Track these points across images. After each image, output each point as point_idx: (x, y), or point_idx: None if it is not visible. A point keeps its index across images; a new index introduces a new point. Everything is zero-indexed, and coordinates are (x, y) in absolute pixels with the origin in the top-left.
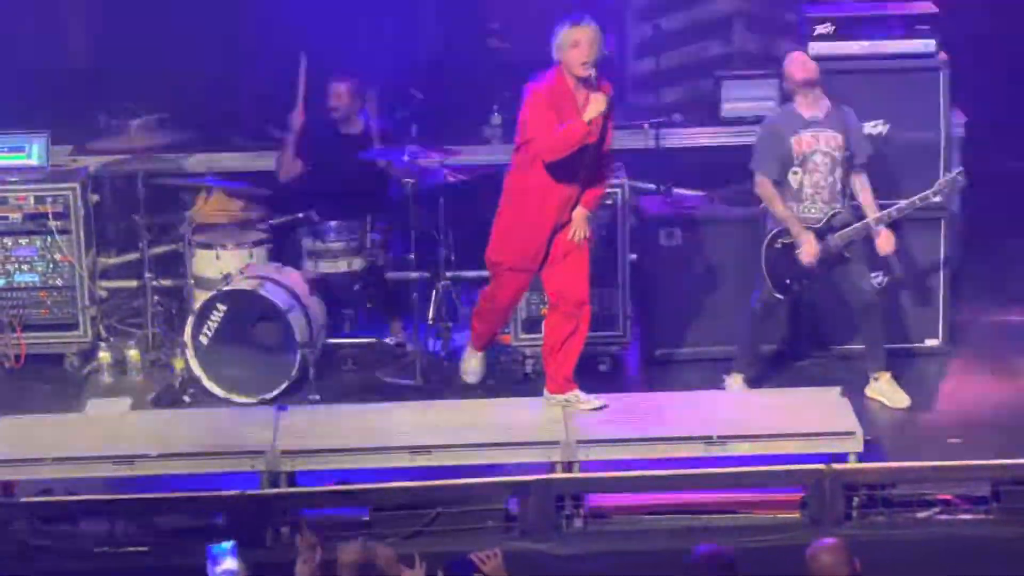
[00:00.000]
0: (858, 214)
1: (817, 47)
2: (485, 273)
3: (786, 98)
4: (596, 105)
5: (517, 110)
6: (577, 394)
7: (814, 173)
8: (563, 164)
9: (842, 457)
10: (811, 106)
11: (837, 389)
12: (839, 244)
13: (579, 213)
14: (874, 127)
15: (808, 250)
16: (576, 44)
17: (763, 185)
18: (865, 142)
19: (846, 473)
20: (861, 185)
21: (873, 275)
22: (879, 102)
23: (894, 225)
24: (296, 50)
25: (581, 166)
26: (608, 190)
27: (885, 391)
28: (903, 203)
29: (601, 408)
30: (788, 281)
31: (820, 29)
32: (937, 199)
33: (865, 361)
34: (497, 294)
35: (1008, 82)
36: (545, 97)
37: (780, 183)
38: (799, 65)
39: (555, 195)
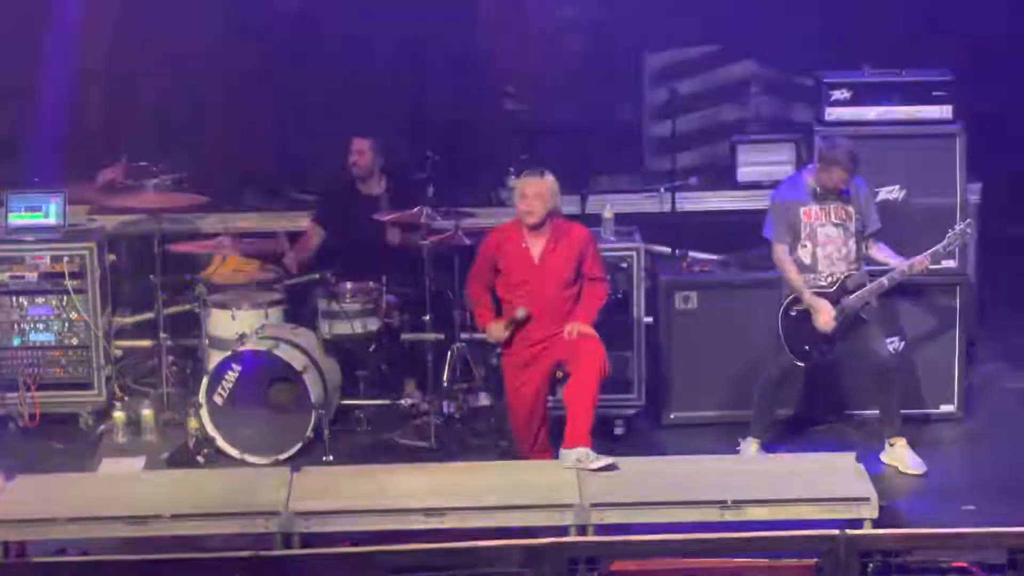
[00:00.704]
0: (870, 276)
1: (834, 113)
2: None
3: (800, 161)
4: (492, 332)
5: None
6: (587, 451)
7: (827, 245)
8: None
9: (857, 523)
10: (825, 186)
11: (852, 455)
12: (855, 306)
13: (574, 324)
14: (890, 192)
15: (824, 318)
16: (522, 196)
17: (779, 253)
18: (875, 213)
19: (861, 539)
20: (878, 250)
21: (889, 340)
22: (895, 168)
23: (911, 291)
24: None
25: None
26: (603, 305)
27: (900, 457)
28: (915, 259)
29: (609, 467)
30: (807, 347)
31: (837, 95)
32: (948, 250)
33: (880, 426)
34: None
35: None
36: (493, 240)
37: (790, 253)
38: (839, 182)
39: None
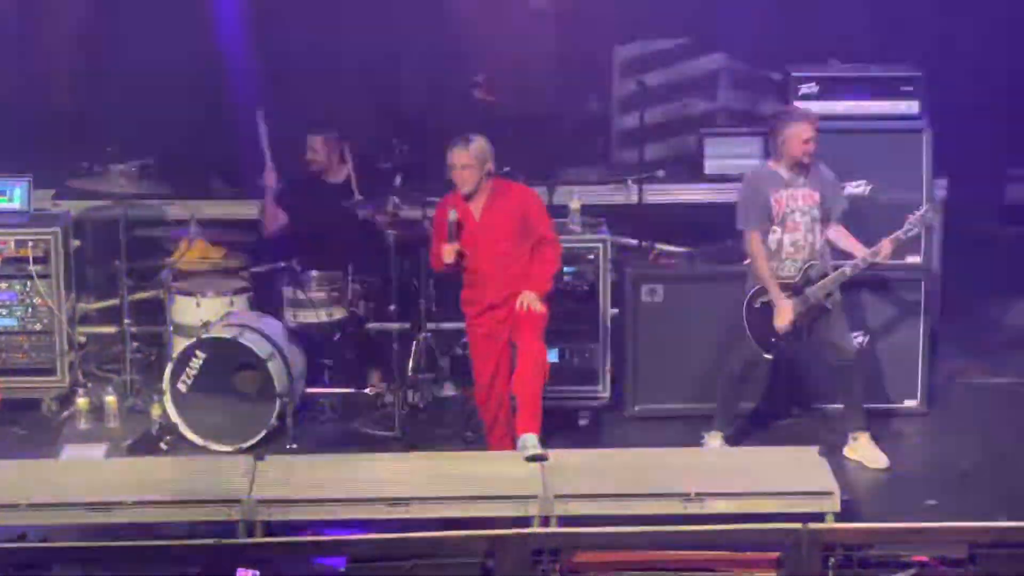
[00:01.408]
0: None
1: (801, 106)
2: (463, 325)
3: (768, 154)
4: (445, 251)
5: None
6: (531, 437)
7: (794, 232)
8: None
9: (819, 517)
10: (791, 165)
11: (815, 449)
12: (818, 296)
13: (526, 294)
14: (856, 187)
15: (782, 320)
16: (451, 167)
17: (754, 242)
18: (841, 197)
19: (823, 533)
20: (840, 234)
21: (854, 334)
22: (862, 162)
23: (875, 285)
24: (277, 99)
25: (494, 270)
26: (556, 270)
27: (863, 451)
28: (876, 247)
29: (538, 458)
30: (772, 340)
31: (804, 88)
32: (910, 235)
33: (844, 421)
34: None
35: (990, 145)
36: (439, 213)
37: (761, 240)
38: (799, 144)
39: (476, 295)
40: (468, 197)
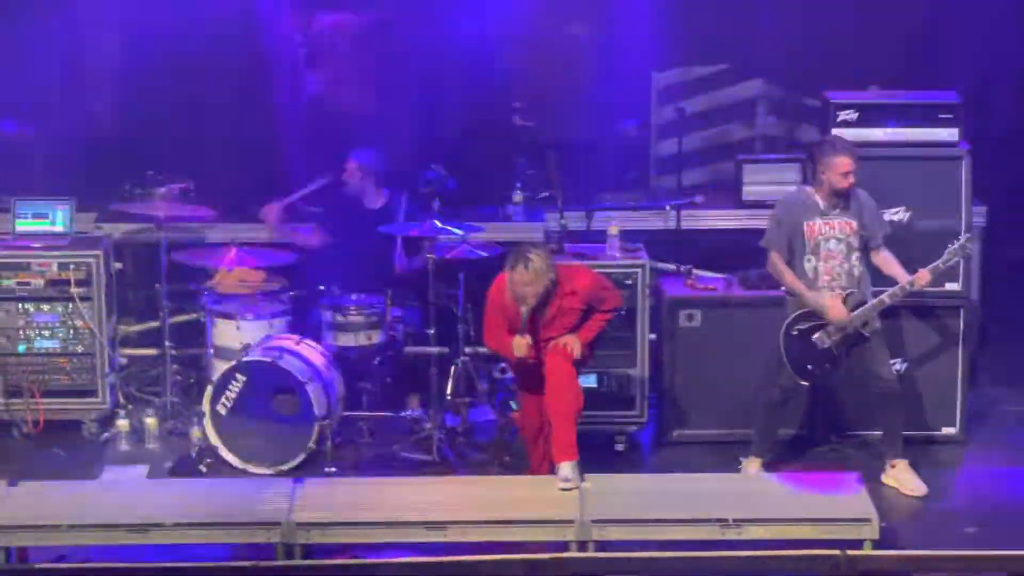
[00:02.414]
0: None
1: (840, 133)
2: None
3: (806, 181)
4: (518, 345)
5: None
6: (570, 465)
7: (829, 260)
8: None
9: (857, 544)
10: (828, 192)
11: (854, 475)
12: (856, 324)
13: (569, 337)
14: (895, 214)
15: (836, 311)
16: (511, 286)
17: (774, 261)
18: (880, 221)
19: (861, 560)
20: (884, 260)
21: (892, 362)
22: (901, 189)
23: (914, 313)
24: (320, 123)
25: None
26: (602, 328)
27: (902, 478)
28: (915, 275)
29: (571, 488)
30: (809, 366)
31: (843, 115)
32: (948, 264)
33: (882, 448)
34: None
35: None
36: (496, 297)
37: (794, 268)
38: (839, 176)
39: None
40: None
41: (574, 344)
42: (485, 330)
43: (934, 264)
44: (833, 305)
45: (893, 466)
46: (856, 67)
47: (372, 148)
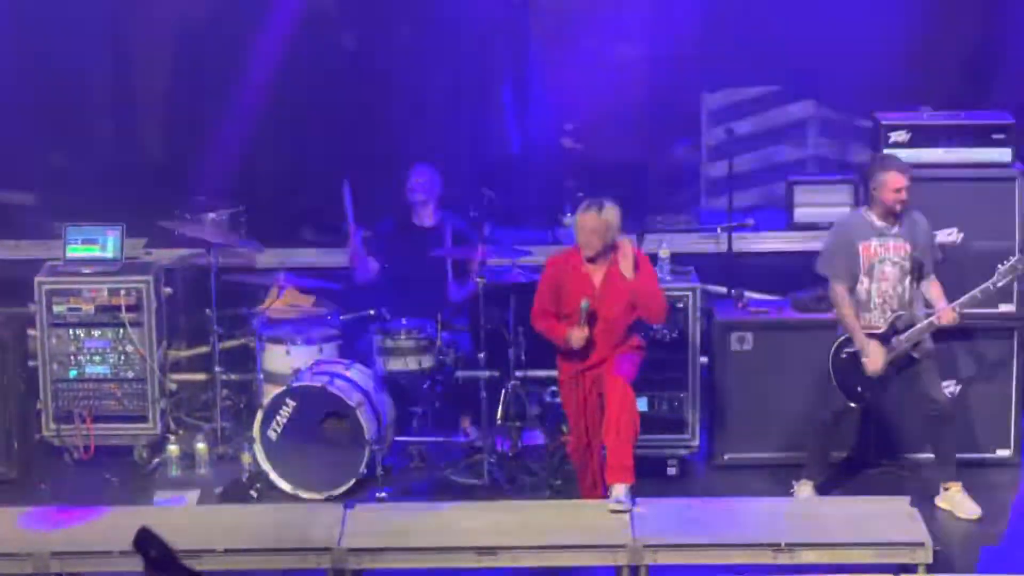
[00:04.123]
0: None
1: (892, 154)
2: (554, 373)
3: (858, 202)
4: (574, 336)
5: None
6: (623, 488)
7: (882, 282)
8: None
9: (911, 568)
10: (882, 214)
11: (907, 499)
12: (905, 345)
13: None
14: (948, 235)
15: (873, 364)
16: (580, 230)
17: (835, 289)
18: (935, 248)
19: None
20: (931, 286)
21: (945, 384)
22: (953, 210)
23: (968, 334)
24: (370, 148)
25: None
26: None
27: (955, 501)
28: (965, 297)
29: (623, 511)
30: (859, 389)
31: (895, 137)
32: (1000, 285)
33: (936, 470)
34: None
35: None
36: (551, 271)
37: (850, 290)
38: (891, 193)
39: (575, 354)
40: (590, 261)
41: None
42: (534, 311)
43: (984, 285)
44: (873, 356)
45: (947, 489)
46: (908, 87)
47: (430, 166)
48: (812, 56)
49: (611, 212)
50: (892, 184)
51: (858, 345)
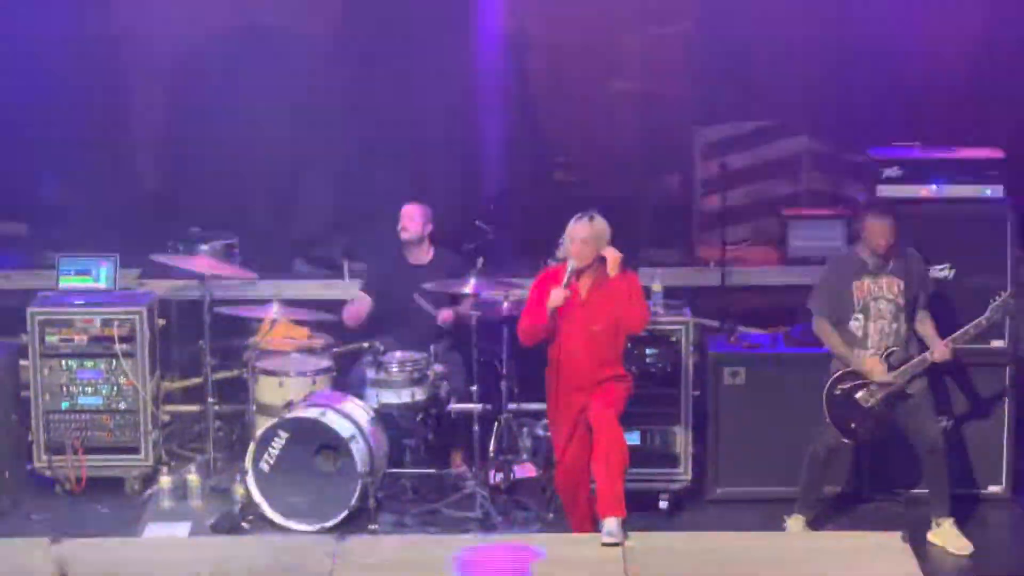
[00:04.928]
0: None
1: (885, 189)
2: (545, 406)
3: (851, 237)
4: (554, 295)
5: None
6: (613, 522)
7: (878, 320)
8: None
9: None
10: (877, 252)
11: (899, 534)
12: (900, 381)
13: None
14: (940, 271)
15: (874, 372)
16: (572, 241)
17: (819, 324)
18: (928, 283)
19: None
20: (922, 320)
21: (938, 419)
22: (946, 246)
23: (960, 370)
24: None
25: (587, 350)
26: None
27: (948, 537)
28: (957, 333)
29: (612, 544)
30: (853, 425)
31: (888, 172)
32: (992, 321)
33: (929, 506)
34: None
35: None
36: (541, 283)
37: (842, 327)
38: (876, 237)
39: (562, 376)
40: (578, 274)
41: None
42: (522, 317)
43: (976, 321)
44: (874, 367)
45: (939, 524)
46: (900, 123)
47: (420, 204)
48: (806, 91)
49: (601, 223)
50: (875, 230)
51: (854, 365)
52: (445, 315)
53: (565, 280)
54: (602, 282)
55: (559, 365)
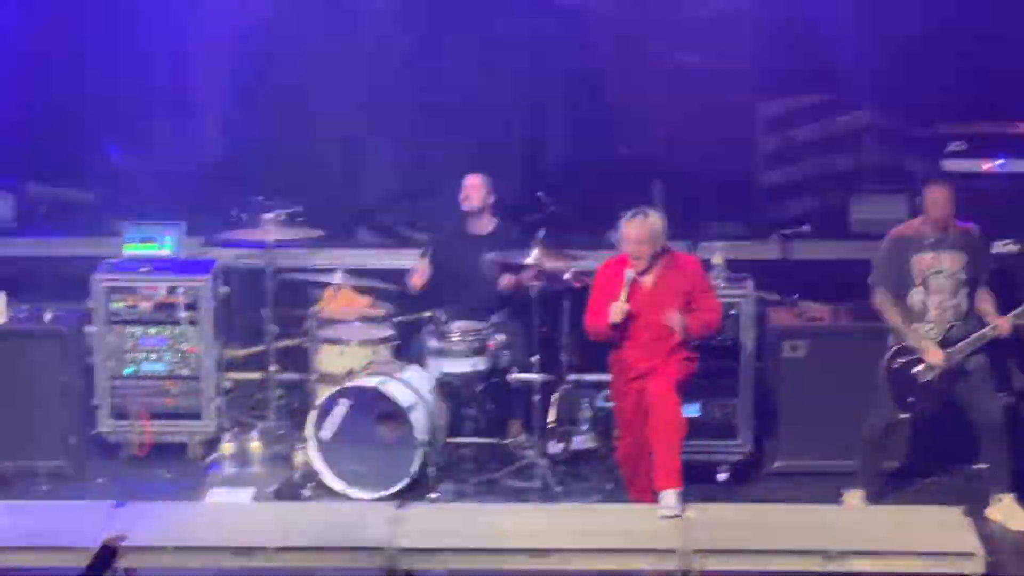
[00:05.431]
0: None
1: (949, 164)
2: (606, 377)
3: (914, 211)
4: (615, 309)
5: None
6: (672, 493)
7: (938, 294)
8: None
9: None
10: (937, 226)
11: (959, 508)
12: (959, 357)
13: (676, 313)
14: (1004, 245)
15: (933, 357)
16: (626, 241)
17: (880, 299)
18: (989, 259)
19: None
20: (983, 298)
21: (1000, 394)
22: (1010, 221)
23: (1022, 344)
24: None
25: (652, 338)
26: (710, 325)
27: (1008, 512)
28: (1020, 308)
29: (673, 516)
30: (911, 400)
31: (952, 146)
32: None
33: (988, 481)
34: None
35: None
36: (601, 275)
37: (902, 301)
38: (938, 206)
39: (626, 359)
40: (640, 271)
41: (679, 321)
42: (587, 313)
43: (1022, 306)
44: (932, 351)
45: (999, 500)
46: (965, 98)
47: (482, 175)
48: (870, 65)
49: (655, 219)
50: (933, 201)
51: (913, 345)
52: (507, 280)
53: (623, 294)
54: (666, 272)
55: (623, 349)
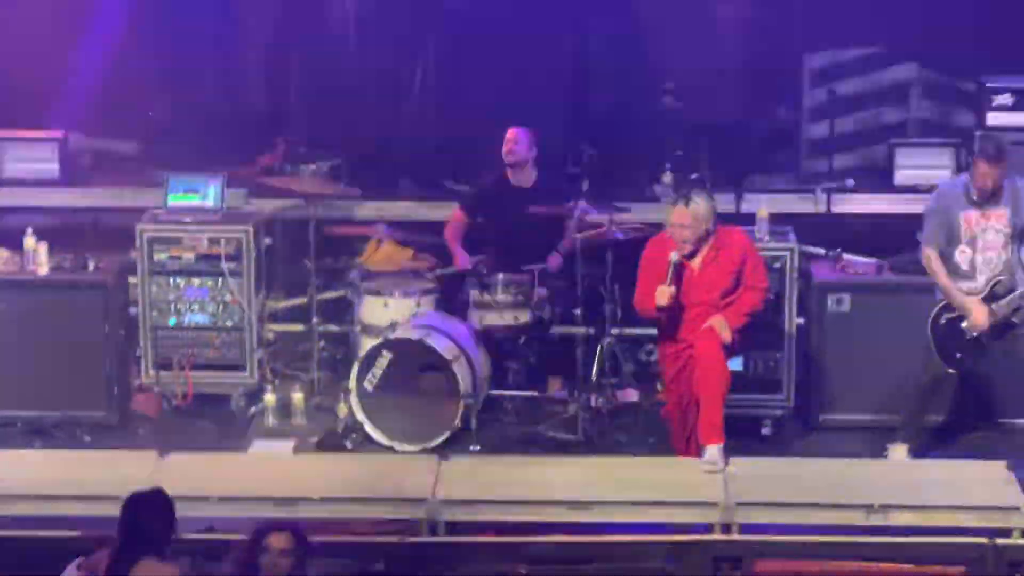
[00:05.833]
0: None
1: (995, 118)
2: (651, 331)
3: (960, 166)
4: (661, 293)
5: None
6: (715, 448)
7: (987, 251)
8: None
9: (1006, 532)
10: (984, 192)
11: (1003, 463)
12: (1005, 311)
13: (717, 318)
14: None
15: (977, 318)
16: (671, 225)
17: (928, 258)
18: None
19: (1010, 549)
20: None
21: None
22: None
23: None
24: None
25: (699, 313)
26: (754, 311)
27: None
28: None
29: (717, 470)
30: (957, 355)
31: (999, 100)
32: None
33: None
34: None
35: None
36: (649, 255)
37: (948, 258)
38: (986, 179)
39: (673, 332)
40: (688, 255)
41: (723, 326)
42: (636, 292)
43: None
44: (976, 311)
45: None
46: (1013, 51)
47: (525, 128)
48: (916, 18)
49: (699, 203)
50: (983, 175)
51: (957, 305)
52: (554, 261)
53: (668, 278)
54: (714, 253)
55: (670, 325)
